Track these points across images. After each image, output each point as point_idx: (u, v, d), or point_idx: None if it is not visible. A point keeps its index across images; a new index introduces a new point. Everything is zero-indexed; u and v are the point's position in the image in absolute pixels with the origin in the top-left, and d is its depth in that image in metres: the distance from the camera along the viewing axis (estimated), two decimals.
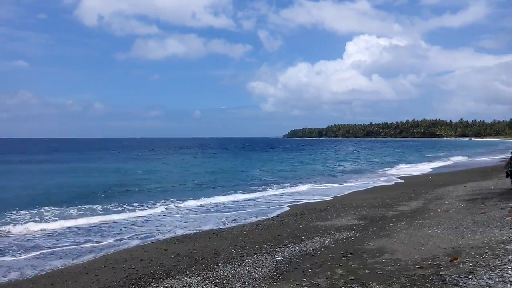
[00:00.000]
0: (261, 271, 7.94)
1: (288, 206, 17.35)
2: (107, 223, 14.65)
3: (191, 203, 18.90)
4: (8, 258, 10.27)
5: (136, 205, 18.49)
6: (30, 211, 16.49)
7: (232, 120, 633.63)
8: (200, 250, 10.12)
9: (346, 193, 21.63)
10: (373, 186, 24.75)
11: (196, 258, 9.34)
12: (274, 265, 8.31)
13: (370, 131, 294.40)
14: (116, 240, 11.87)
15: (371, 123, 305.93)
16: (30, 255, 10.51)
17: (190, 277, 7.85)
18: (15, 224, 14.02)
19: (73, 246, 11.32)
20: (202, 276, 7.87)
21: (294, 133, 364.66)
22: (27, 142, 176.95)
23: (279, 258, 8.82)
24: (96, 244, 11.53)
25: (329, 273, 7.47)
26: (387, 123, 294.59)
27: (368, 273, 7.27)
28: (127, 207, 18.02)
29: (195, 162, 51.12)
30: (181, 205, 18.42)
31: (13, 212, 16.24)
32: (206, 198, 20.21)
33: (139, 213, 16.63)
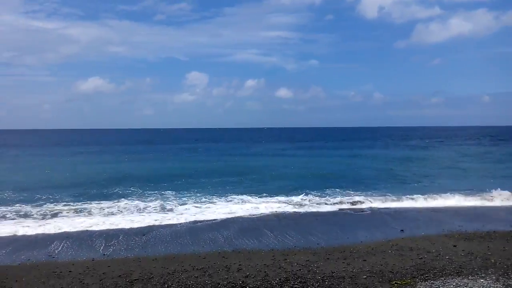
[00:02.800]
0: None
1: None
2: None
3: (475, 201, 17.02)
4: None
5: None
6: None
7: None
8: (496, 252, 9.01)
9: None
10: None
11: (492, 260, 8.36)
12: None
13: None
14: (401, 230, 12.09)
15: None
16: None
17: (486, 280, 7.11)
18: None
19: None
20: (502, 282, 6.98)
21: None
22: (318, 131, 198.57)
23: None
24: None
25: None
26: None
27: None
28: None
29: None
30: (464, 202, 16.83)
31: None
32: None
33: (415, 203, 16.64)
